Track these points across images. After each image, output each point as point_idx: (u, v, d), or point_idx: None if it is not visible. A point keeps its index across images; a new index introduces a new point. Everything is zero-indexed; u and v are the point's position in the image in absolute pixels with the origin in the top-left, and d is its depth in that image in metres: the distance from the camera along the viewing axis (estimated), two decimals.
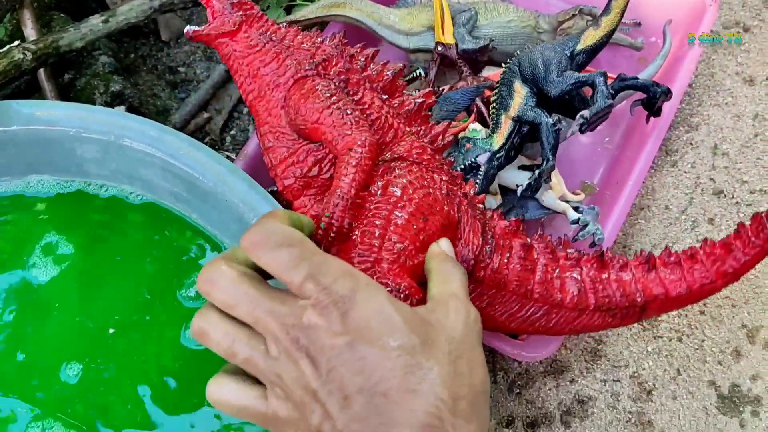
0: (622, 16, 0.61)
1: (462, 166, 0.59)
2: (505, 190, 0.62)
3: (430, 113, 0.52)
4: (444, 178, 0.48)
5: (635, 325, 0.64)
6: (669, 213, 0.68)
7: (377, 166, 0.46)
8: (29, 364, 0.48)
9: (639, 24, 0.73)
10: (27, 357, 0.49)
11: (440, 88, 0.64)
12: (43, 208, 0.54)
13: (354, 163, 0.44)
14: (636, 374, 0.62)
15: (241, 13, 0.49)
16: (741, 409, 0.58)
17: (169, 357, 0.49)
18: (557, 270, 0.51)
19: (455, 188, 0.49)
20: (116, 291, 0.51)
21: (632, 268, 0.51)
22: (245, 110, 0.74)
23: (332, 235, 0.44)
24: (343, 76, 0.48)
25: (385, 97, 0.49)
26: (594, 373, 0.62)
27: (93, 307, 0.51)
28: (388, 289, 0.42)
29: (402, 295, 0.43)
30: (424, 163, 0.48)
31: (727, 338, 0.61)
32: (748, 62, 0.75)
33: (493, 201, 0.60)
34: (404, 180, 0.46)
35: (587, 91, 0.61)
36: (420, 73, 0.66)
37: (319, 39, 0.50)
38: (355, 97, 0.48)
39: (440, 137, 0.51)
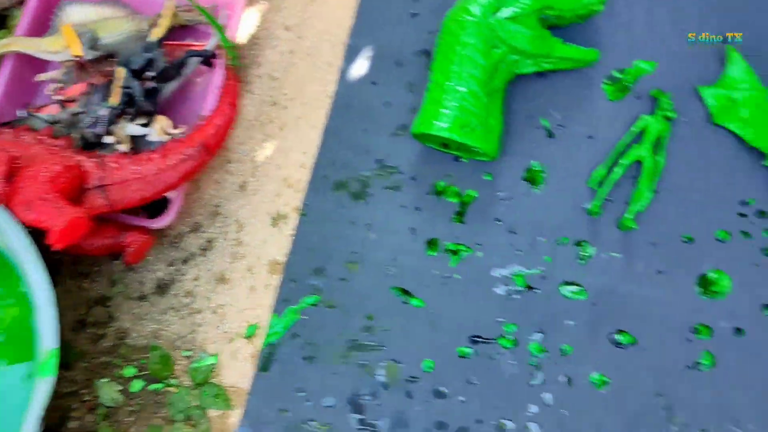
0: (170, 21, 1.05)
1: (97, 116, 1.03)
2: (135, 139, 1.07)
3: (54, 134, 0.98)
4: (64, 153, 0.95)
5: (237, 192, 1.12)
6: (249, 120, 1.15)
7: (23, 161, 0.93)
8: None
9: (216, 6, 1.16)
10: None
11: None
12: None
13: None
14: (237, 221, 1.11)
15: None
16: (281, 222, 1.09)
17: None
18: (149, 159, 0.98)
19: (73, 155, 0.96)
20: None
21: (191, 133, 1.00)
22: None
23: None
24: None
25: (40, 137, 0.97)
26: (215, 224, 1.11)
27: None
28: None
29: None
30: (53, 152, 0.94)
31: (276, 190, 1.11)
32: (287, 16, 1.20)
33: (124, 147, 1.04)
34: (41, 159, 0.91)
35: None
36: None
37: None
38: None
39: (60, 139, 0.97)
